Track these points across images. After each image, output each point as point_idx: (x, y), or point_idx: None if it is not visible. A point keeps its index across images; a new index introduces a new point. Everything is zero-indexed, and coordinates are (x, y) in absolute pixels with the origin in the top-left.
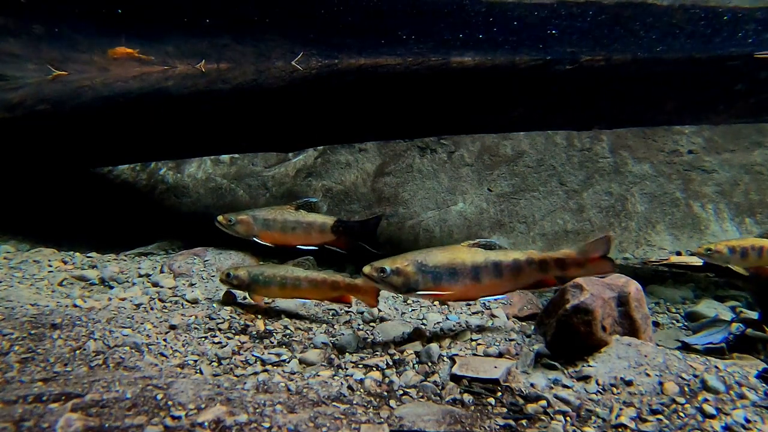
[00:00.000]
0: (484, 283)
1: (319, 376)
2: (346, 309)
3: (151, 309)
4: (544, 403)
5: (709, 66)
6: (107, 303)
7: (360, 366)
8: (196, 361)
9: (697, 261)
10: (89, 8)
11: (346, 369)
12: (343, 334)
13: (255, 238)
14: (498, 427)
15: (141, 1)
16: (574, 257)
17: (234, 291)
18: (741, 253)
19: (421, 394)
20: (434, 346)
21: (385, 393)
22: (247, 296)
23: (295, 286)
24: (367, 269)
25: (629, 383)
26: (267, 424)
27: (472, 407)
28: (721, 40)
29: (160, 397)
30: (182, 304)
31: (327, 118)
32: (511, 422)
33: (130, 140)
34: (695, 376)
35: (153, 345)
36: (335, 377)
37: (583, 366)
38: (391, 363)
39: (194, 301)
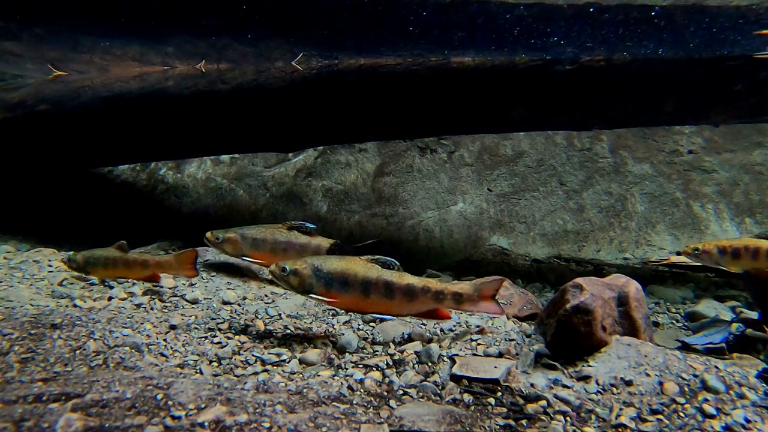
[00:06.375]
0: (373, 299)
1: (319, 376)
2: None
3: (151, 309)
4: (544, 403)
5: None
6: (107, 303)
7: (360, 366)
8: (196, 361)
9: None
10: (90, 8)
11: (346, 369)
12: (343, 333)
13: (244, 258)
14: (498, 427)
15: (141, 2)
16: (470, 293)
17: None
18: (732, 254)
19: (421, 394)
20: (434, 346)
21: (385, 393)
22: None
23: (114, 266)
24: (272, 267)
25: (629, 383)
26: (267, 424)
27: (472, 407)
28: None
29: (160, 397)
30: (182, 305)
31: (327, 118)
32: (511, 422)
33: (130, 140)
34: (695, 376)
35: (153, 345)
36: (335, 377)
37: (583, 366)
38: (391, 363)
39: (194, 301)
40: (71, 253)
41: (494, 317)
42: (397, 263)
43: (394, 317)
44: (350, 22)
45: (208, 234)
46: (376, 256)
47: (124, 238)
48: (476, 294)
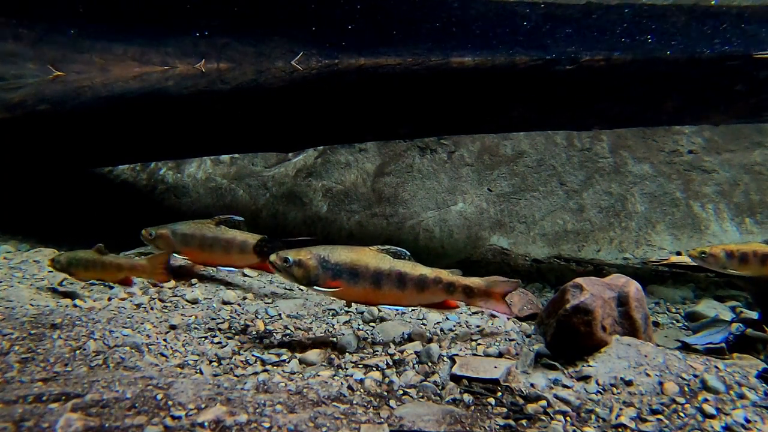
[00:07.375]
0: (384, 291)
1: (319, 376)
2: (346, 309)
3: (151, 309)
4: (544, 403)
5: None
6: (107, 303)
7: (360, 366)
8: (196, 361)
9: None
10: (90, 8)
11: (346, 369)
12: (343, 334)
13: (176, 255)
14: (498, 427)
15: (141, 1)
16: (482, 287)
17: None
18: (740, 259)
19: (421, 394)
20: (434, 346)
21: (385, 393)
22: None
23: (95, 268)
24: (273, 257)
25: (629, 383)
26: (267, 424)
27: (472, 407)
28: None
29: (160, 397)
30: (182, 305)
31: (327, 118)
32: (511, 422)
33: (130, 140)
34: (695, 376)
35: (153, 345)
36: (335, 377)
37: (583, 366)
38: (391, 363)
39: (194, 301)
40: (56, 254)
41: (494, 317)
42: (408, 253)
43: (404, 308)
44: (350, 21)
45: (143, 231)
46: (386, 246)
47: (124, 239)
48: (488, 289)
